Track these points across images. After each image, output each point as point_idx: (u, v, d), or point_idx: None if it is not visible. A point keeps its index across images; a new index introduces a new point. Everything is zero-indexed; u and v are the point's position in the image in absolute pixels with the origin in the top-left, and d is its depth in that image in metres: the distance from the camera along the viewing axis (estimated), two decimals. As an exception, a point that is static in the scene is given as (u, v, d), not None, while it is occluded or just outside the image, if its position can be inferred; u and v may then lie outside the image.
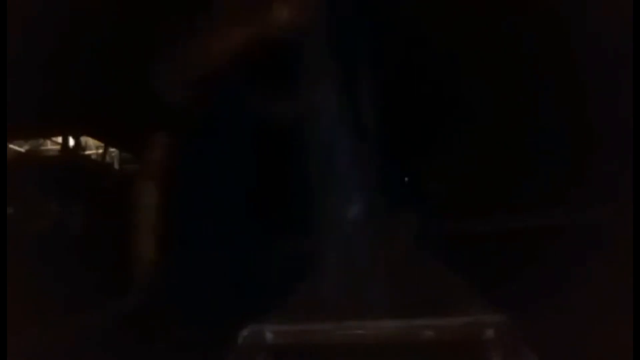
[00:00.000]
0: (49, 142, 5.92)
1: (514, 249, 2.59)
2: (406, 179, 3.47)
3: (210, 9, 2.06)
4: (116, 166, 5.49)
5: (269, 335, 1.28)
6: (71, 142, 4.87)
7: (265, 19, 1.97)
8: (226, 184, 2.05)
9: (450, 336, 1.25)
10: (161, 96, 1.96)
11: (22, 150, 5.26)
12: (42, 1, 2.57)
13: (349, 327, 1.28)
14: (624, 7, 1.89)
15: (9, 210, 2.54)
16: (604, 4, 2.36)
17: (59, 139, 5.16)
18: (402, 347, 1.25)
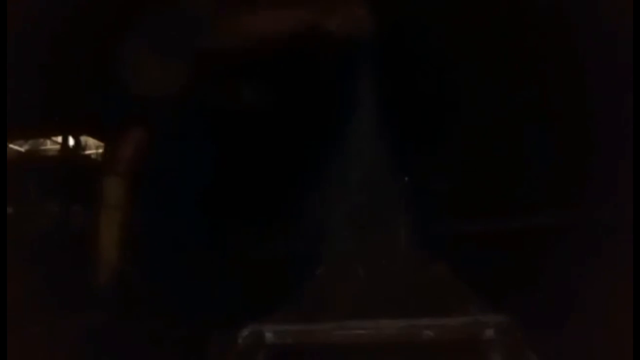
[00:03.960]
0: (48, 142, 5.92)
1: (514, 249, 2.58)
2: (406, 178, 3.47)
3: None
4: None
5: (269, 335, 1.28)
6: (71, 142, 4.86)
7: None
8: (212, 182, 2.03)
9: (450, 336, 1.25)
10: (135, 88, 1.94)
11: (22, 150, 5.26)
12: (41, 2, 2.57)
13: (349, 327, 1.28)
14: (624, 7, 1.89)
15: (9, 210, 2.54)
16: (604, 4, 2.36)
17: (59, 139, 5.16)
18: (402, 347, 1.25)
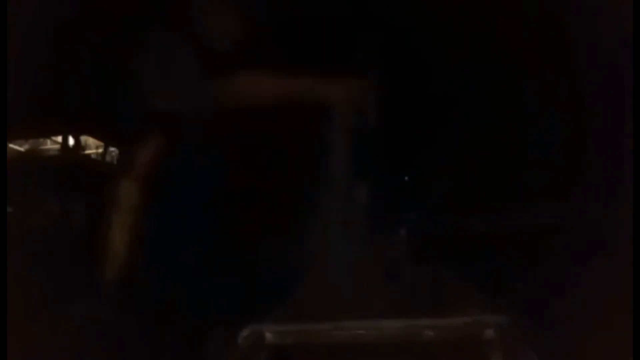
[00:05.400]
0: (48, 141, 5.92)
1: (514, 249, 2.58)
2: (406, 177, 3.47)
3: None
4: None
5: (269, 335, 1.28)
6: (71, 141, 4.86)
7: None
8: (216, 185, 2.04)
9: (450, 336, 1.25)
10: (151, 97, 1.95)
11: (22, 150, 5.26)
12: (41, 2, 2.57)
13: (349, 327, 1.28)
14: (624, 7, 1.89)
15: (9, 210, 2.54)
16: (604, 4, 2.36)
17: (59, 139, 5.16)
18: (402, 347, 1.26)
